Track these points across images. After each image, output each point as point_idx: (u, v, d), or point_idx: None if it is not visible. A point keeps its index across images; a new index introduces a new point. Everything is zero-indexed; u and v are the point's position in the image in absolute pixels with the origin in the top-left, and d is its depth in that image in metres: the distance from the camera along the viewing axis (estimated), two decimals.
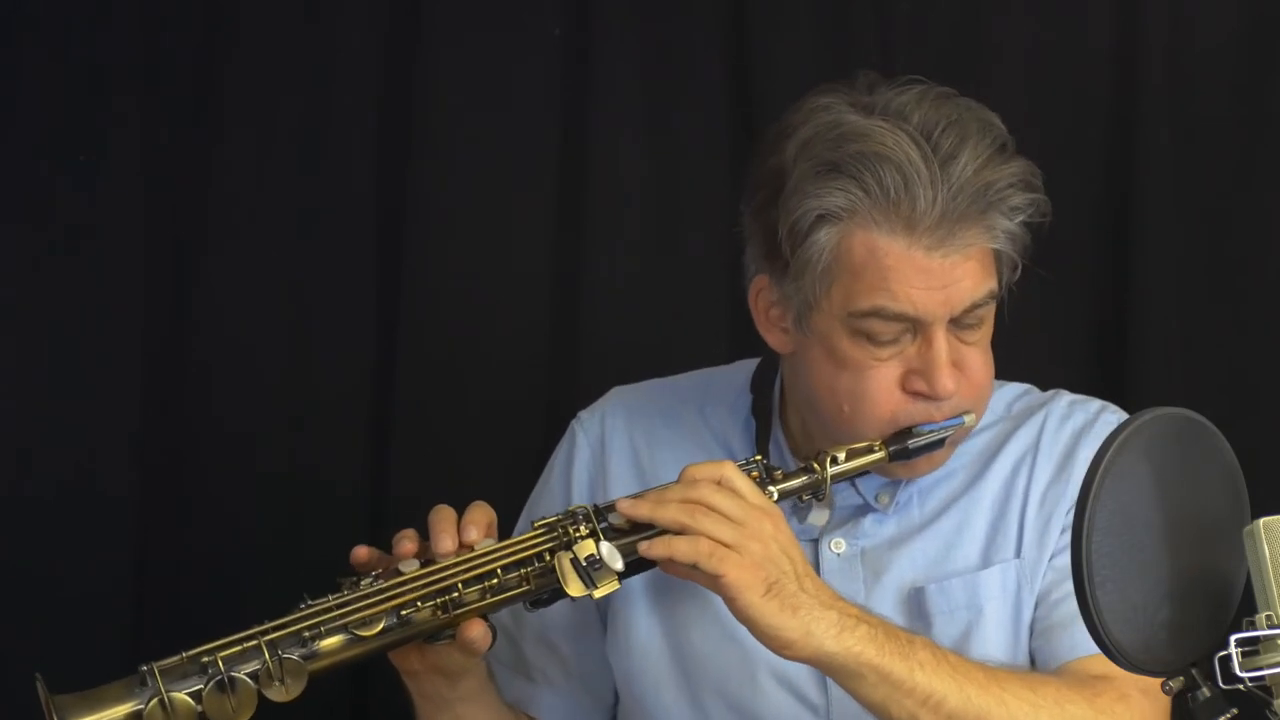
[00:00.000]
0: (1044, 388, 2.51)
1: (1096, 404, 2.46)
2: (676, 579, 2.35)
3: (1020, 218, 2.30)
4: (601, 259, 3.14)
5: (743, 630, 2.31)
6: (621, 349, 3.09)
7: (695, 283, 3.14)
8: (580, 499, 2.43)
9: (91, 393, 3.10)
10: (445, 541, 2.26)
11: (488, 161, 3.15)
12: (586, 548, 2.25)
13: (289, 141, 3.15)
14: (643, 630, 2.44)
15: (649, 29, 3.15)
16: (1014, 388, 2.49)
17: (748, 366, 2.53)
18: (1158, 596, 1.80)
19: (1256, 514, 1.81)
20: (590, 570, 2.24)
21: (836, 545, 2.40)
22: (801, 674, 2.37)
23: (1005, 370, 2.44)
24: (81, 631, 3.02)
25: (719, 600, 2.31)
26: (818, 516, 2.41)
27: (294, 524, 3.10)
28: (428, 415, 3.13)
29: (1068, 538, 1.90)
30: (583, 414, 2.56)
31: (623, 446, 2.50)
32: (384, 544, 2.31)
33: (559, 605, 2.40)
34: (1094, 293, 3.06)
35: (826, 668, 2.23)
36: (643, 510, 2.25)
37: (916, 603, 2.37)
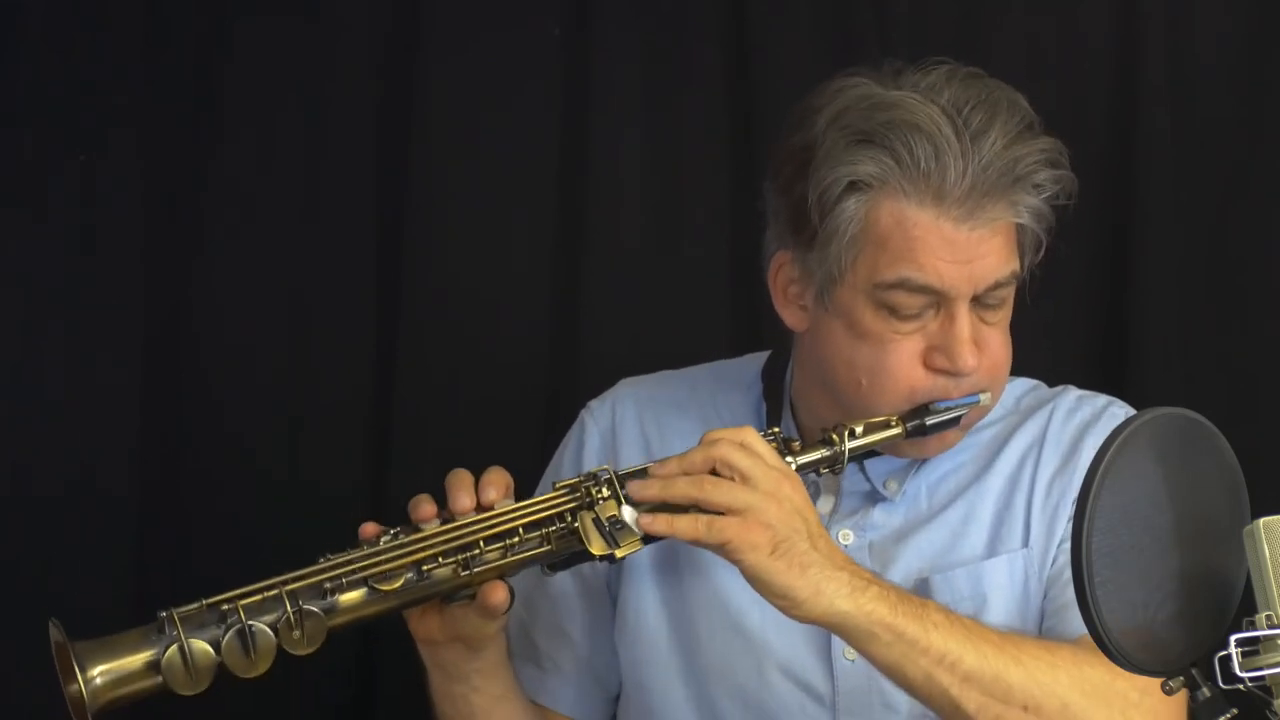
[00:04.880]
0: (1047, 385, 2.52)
1: (1103, 399, 2.47)
2: (685, 567, 2.37)
3: (1046, 194, 2.32)
4: (601, 259, 3.14)
5: (750, 621, 2.32)
6: (621, 349, 3.09)
7: (695, 283, 3.14)
8: None
9: (92, 394, 3.10)
10: (463, 499, 2.26)
11: (488, 161, 3.15)
12: (609, 508, 2.25)
13: (289, 141, 3.15)
14: (650, 619, 2.44)
15: (649, 29, 3.15)
16: (1023, 382, 2.50)
17: (759, 358, 2.54)
18: (1158, 596, 1.80)
19: (1256, 514, 1.81)
20: (613, 530, 2.24)
21: (845, 537, 2.41)
22: (808, 665, 2.38)
23: None
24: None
25: (727, 591, 2.33)
26: (823, 504, 2.41)
27: (294, 525, 3.09)
28: (428, 416, 3.13)
29: None
30: (592, 403, 2.56)
31: (634, 436, 2.51)
32: None
33: (573, 594, 2.42)
34: (1094, 292, 3.06)
35: (839, 628, 2.23)
36: (652, 491, 2.25)
37: (922, 593, 2.36)
